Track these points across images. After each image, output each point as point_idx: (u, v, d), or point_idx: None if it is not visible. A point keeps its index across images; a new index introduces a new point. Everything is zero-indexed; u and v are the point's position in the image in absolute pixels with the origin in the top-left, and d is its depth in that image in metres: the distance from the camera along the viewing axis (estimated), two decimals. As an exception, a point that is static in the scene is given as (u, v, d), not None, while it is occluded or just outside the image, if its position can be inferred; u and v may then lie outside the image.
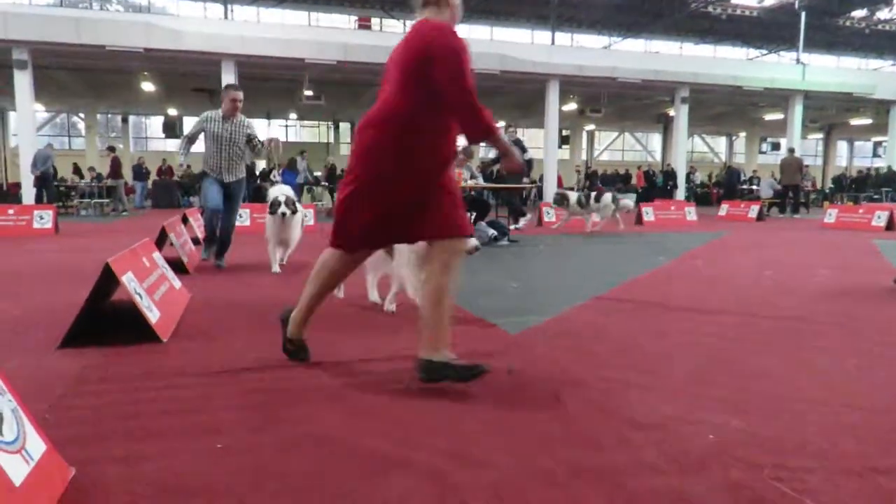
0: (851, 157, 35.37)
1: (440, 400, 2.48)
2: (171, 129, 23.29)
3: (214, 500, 1.68)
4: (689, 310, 4.36)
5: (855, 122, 26.74)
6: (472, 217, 8.78)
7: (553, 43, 21.35)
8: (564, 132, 26.90)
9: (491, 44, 20.74)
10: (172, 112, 25.09)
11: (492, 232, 8.35)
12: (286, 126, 29.82)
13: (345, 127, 30.04)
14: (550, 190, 19.75)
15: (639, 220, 12.88)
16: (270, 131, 27.03)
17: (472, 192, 8.76)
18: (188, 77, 19.55)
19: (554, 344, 3.37)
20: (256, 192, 18.73)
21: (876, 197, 21.57)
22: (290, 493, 1.72)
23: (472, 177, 8.55)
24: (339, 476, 1.82)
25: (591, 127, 30.04)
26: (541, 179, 21.62)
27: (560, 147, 24.76)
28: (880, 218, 11.55)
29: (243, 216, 11.60)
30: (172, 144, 27.06)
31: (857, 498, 1.71)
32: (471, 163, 8.88)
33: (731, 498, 1.70)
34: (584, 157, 31.21)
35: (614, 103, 24.44)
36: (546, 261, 7.25)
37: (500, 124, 30.43)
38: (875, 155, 30.51)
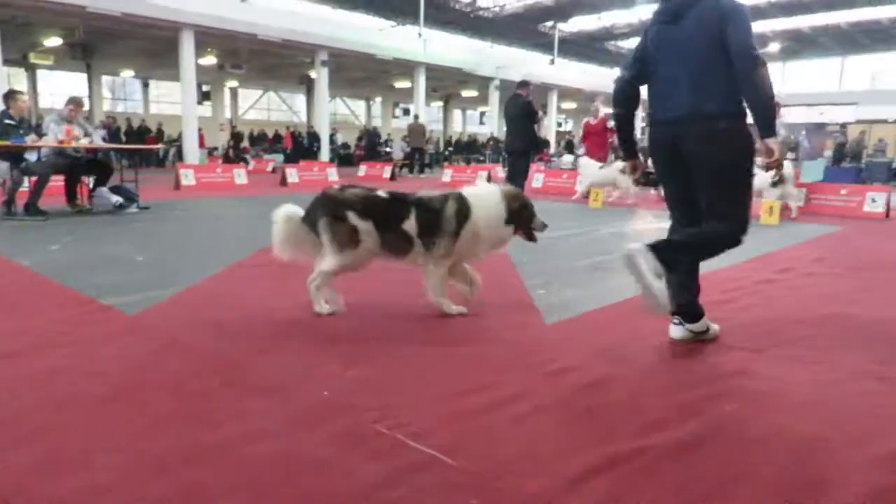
0: (465, 123, 41.33)
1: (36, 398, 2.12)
2: None
3: None
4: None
5: (466, 93, 31.19)
6: (91, 182, 7.64)
7: (184, -12, 19.59)
8: (205, 87, 25.21)
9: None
10: None
11: (116, 199, 7.40)
12: None
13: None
14: (191, 150, 18.45)
15: (284, 181, 12.95)
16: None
17: (91, 154, 7.58)
18: None
19: (176, 319, 3.17)
20: None
21: (481, 158, 25.74)
22: None
23: (87, 134, 7.36)
24: None
25: (234, 84, 28.77)
26: (180, 137, 19.99)
27: (201, 103, 23.20)
28: (482, 177, 13.87)
29: None
30: None
31: (440, 421, 2.04)
32: (81, 116, 7.64)
33: (336, 447, 1.85)
34: (228, 114, 29.85)
35: (257, 60, 23.80)
36: (183, 227, 6.77)
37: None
38: (481, 122, 36.20)
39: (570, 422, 2.09)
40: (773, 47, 34.58)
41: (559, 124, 39.44)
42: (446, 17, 31.82)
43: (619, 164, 10.07)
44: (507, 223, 3.26)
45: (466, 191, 3.30)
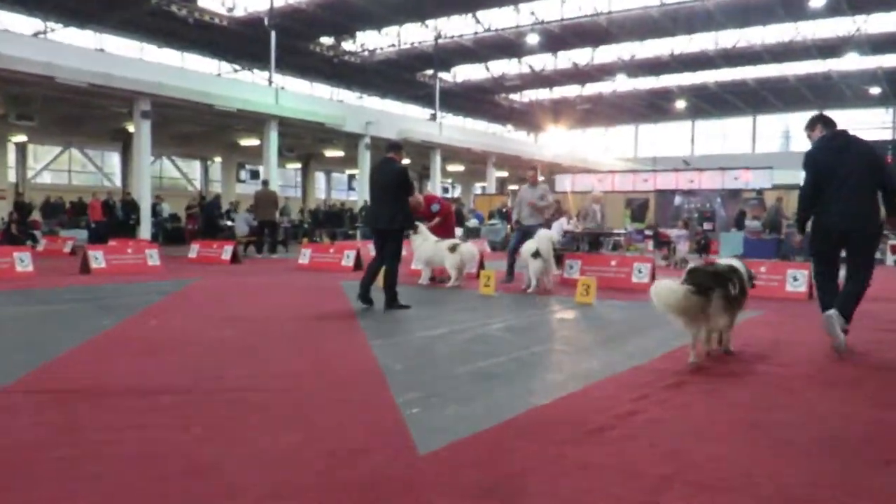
0: (329, 188, 41.66)
1: None
2: None
3: None
4: (129, 392, 4.28)
5: (329, 153, 31.64)
6: None
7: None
8: (-20, 143, 23.82)
9: None
10: None
11: None
12: None
13: None
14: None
15: (85, 267, 12.22)
16: None
17: None
18: None
19: None
20: None
21: (351, 233, 25.84)
22: None
23: None
24: None
25: (21, 138, 27.35)
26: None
27: (-27, 163, 21.82)
28: (349, 258, 13.86)
29: None
30: None
31: None
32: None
33: None
34: (12, 177, 28.17)
35: (55, 110, 22.91)
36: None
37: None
38: (350, 188, 36.64)
39: None
40: (680, 104, 38.26)
41: (445, 190, 40.82)
42: (305, 63, 32.54)
43: (450, 242, 11.11)
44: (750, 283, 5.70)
45: (734, 262, 5.70)
